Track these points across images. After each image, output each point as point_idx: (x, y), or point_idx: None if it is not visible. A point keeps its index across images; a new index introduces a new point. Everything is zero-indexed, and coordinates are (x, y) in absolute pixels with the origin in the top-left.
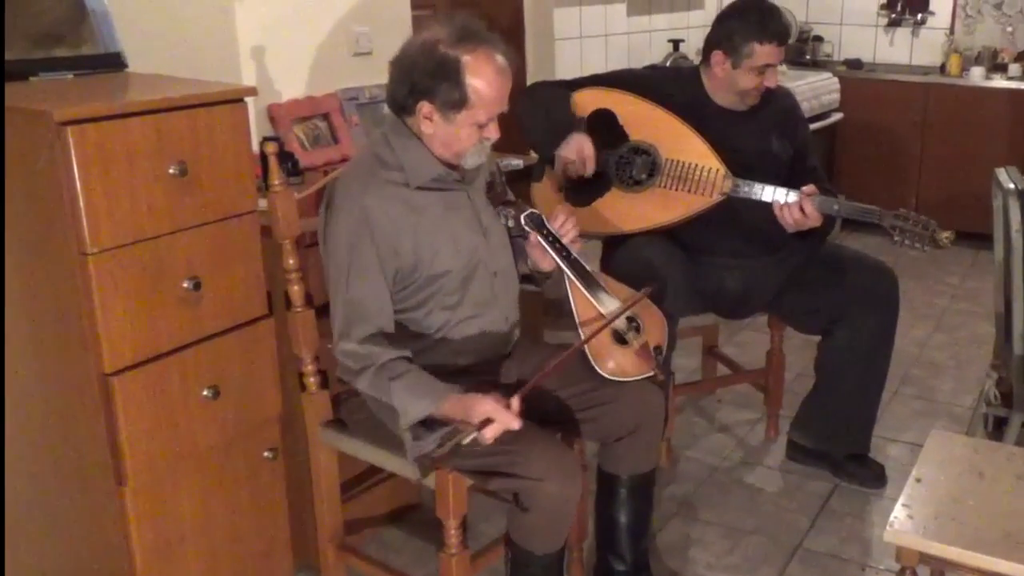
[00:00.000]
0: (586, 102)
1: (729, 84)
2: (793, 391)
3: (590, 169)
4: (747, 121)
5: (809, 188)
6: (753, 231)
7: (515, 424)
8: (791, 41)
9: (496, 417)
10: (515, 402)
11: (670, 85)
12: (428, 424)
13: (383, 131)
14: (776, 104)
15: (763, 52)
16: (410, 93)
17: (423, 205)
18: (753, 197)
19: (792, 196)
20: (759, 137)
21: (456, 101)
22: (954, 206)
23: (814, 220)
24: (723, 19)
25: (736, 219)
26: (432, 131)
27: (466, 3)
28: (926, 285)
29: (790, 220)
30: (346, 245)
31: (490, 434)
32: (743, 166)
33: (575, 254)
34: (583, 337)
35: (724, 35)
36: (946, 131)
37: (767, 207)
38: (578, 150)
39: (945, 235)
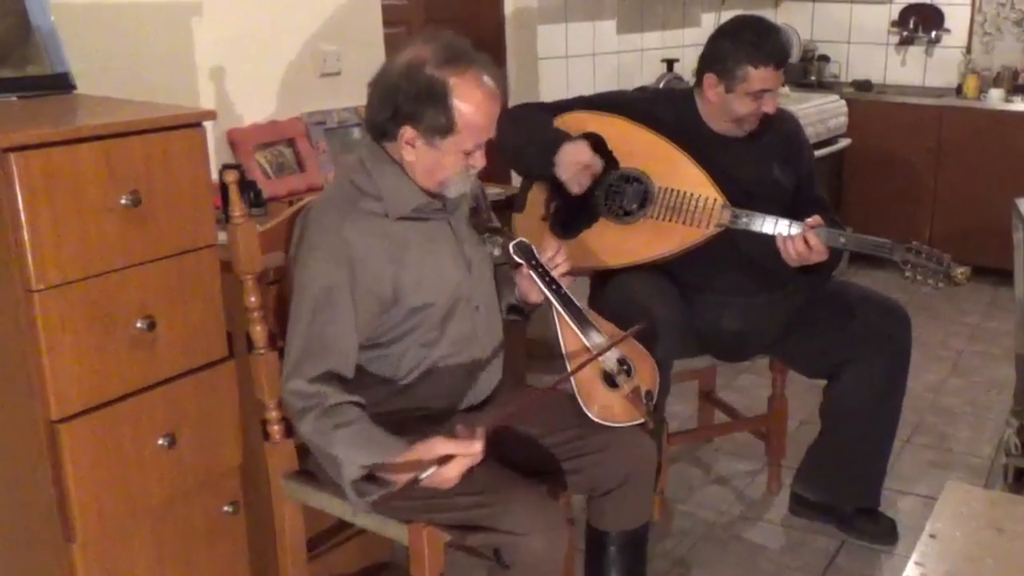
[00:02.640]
0: (572, 126)
1: (723, 109)
2: (797, 440)
3: (597, 167)
4: (746, 148)
5: (814, 219)
6: (753, 266)
7: (476, 449)
8: (793, 60)
9: (456, 451)
10: (479, 431)
11: (662, 108)
12: (375, 480)
13: (359, 156)
14: (777, 129)
15: (758, 76)
16: (392, 117)
17: (404, 238)
18: (753, 229)
19: (795, 228)
20: (759, 165)
21: (442, 126)
22: (971, 240)
23: (819, 254)
24: (716, 39)
25: (734, 253)
26: (414, 158)
27: (442, 19)
28: (941, 325)
29: (794, 253)
30: (322, 283)
31: (454, 471)
32: (742, 196)
33: (565, 288)
34: (571, 376)
35: (717, 57)
36: (962, 158)
37: (768, 240)
38: (576, 158)
39: (961, 271)
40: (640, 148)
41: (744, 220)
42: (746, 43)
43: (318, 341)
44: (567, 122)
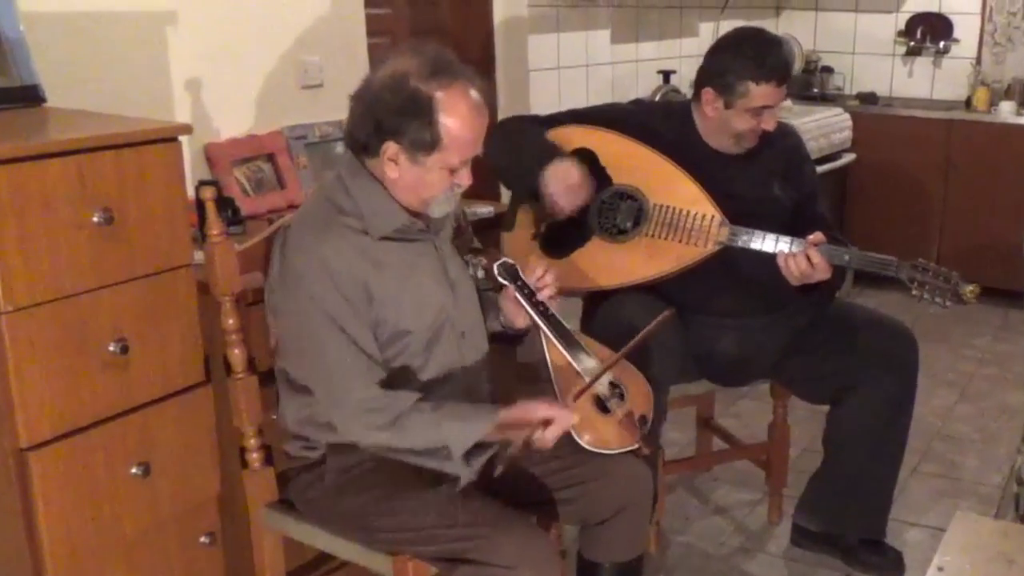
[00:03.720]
0: (563, 141)
1: (721, 125)
2: (798, 468)
3: (581, 199)
4: (745, 164)
5: (816, 236)
6: (752, 286)
7: (574, 418)
8: (796, 72)
9: (555, 417)
10: (571, 401)
11: (658, 122)
12: (475, 450)
13: (338, 174)
14: (778, 144)
15: (759, 93)
16: (374, 132)
17: (385, 258)
18: (752, 247)
19: (797, 245)
20: (759, 182)
21: (427, 142)
22: (981, 259)
23: (822, 272)
24: (715, 52)
25: (733, 272)
26: (397, 175)
27: (429, 29)
28: (949, 348)
29: (796, 272)
30: (322, 306)
31: (551, 435)
32: (741, 213)
33: (553, 310)
34: (559, 397)
35: (716, 71)
36: (972, 174)
37: (768, 259)
38: (566, 176)
39: (969, 289)
40: (634, 164)
41: (743, 238)
42: (747, 58)
43: (359, 352)
44: (558, 137)
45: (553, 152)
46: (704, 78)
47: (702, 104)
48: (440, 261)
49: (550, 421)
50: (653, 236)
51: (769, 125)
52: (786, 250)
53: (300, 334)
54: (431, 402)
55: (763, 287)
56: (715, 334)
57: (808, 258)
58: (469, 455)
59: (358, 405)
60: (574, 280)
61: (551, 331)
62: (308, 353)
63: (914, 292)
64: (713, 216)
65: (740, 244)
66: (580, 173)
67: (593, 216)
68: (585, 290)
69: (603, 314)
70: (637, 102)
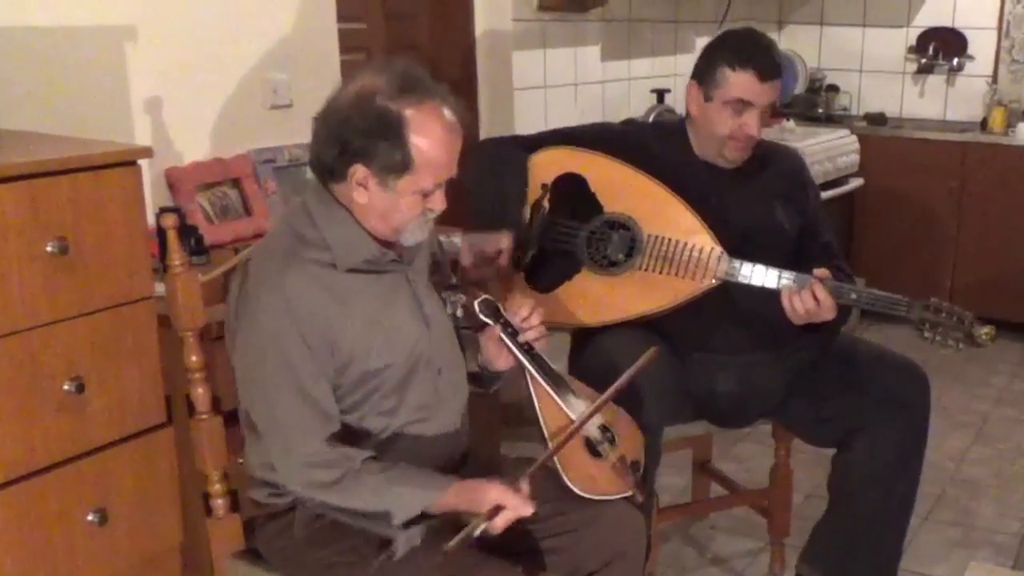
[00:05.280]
0: (549, 165)
1: (705, 125)
2: (802, 515)
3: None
4: (744, 184)
5: (821, 271)
6: (753, 321)
7: (528, 510)
8: (799, 91)
9: (507, 503)
10: (524, 485)
11: (651, 141)
12: (420, 518)
13: (303, 201)
14: (778, 166)
15: (736, 81)
16: (340, 155)
17: (354, 291)
18: (753, 284)
19: (800, 282)
20: (759, 205)
21: (397, 164)
22: (998, 292)
23: (828, 310)
24: (705, 48)
25: (732, 307)
26: (366, 200)
27: (407, 45)
28: (963, 387)
29: (801, 311)
30: (280, 345)
31: (501, 523)
32: (741, 241)
33: (539, 350)
34: (548, 442)
35: (700, 64)
36: (988, 201)
37: (770, 293)
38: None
39: (985, 332)
40: (627, 190)
41: (744, 273)
42: (727, 47)
43: (311, 403)
44: (543, 161)
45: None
46: (692, 74)
47: (688, 103)
48: (414, 294)
49: (501, 507)
50: (647, 269)
51: (752, 129)
52: (790, 287)
53: (254, 376)
54: (381, 463)
55: (764, 322)
56: (714, 372)
57: (814, 295)
58: (411, 522)
59: (303, 459)
60: (562, 316)
61: (538, 372)
62: (259, 398)
63: (926, 335)
64: (712, 249)
65: (740, 280)
66: (503, 240)
67: (582, 246)
68: (573, 326)
69: (589, 354)
70: (629, 122)
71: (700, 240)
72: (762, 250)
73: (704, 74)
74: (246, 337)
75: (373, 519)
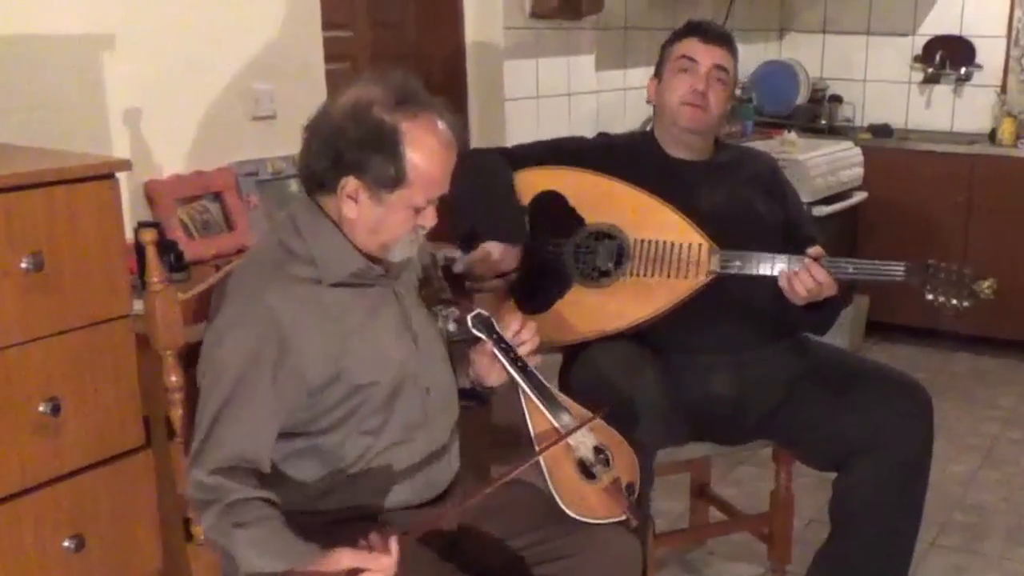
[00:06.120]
0: (524, 187)
1: (661, 107)
2: (804, 541)
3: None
4: (720, 178)
5: (815, 250)
6: (747, 315)
7: (384, 563)
8: (800, 101)
9: (363, 564)
10: (392, 543)
11: (623, 149)
12: None
13: (290, 213)
14: (752, 163)
15: (680, 45)
16: (332, 166)
17: (339, 307)
18: (748, 272)
19: (796, 263)
20: (739, 197)
21: (390, 178)
22: (1007, 311)
23: (828, 287)
24: None
25: (725, 303)
26: (356, 214)
27: (394, 55)
28: (970, 408)
29: (802, 291)
30: (239, 364)
31: None
32: (727, 234)
33: (532, 367)
34: (542, 463)
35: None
36: (997, 215)
37: (764, 283)
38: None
39: (986, 284)
40: (606, 199)
41: (737, 264)
42: (674, 32)
43: (227, 428)
44: (518, 184)
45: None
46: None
47: (649, 99)
48: (401, 309)
49: (358, 572)
50: (639, 275)
51: (700, 83)
52: (787, 269)
53: (207, 378)
54: (250, 514)
55: (759, 314)
56: (707, 376)
57: (811, 274)
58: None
59: (191, 479)
60: (560, 333)
61: (531, 390)
62: (202, 398)
63: (928, 296)
64: (701, 244)
65: (734, 271)
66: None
67: (570, 262)
68: (573, 342)
69: (576, 370)
70: (601, 135)
71: (688, 237)
72: (748, 240)
73: (659, 61)
74: (211, 345)
75: (230, 559)
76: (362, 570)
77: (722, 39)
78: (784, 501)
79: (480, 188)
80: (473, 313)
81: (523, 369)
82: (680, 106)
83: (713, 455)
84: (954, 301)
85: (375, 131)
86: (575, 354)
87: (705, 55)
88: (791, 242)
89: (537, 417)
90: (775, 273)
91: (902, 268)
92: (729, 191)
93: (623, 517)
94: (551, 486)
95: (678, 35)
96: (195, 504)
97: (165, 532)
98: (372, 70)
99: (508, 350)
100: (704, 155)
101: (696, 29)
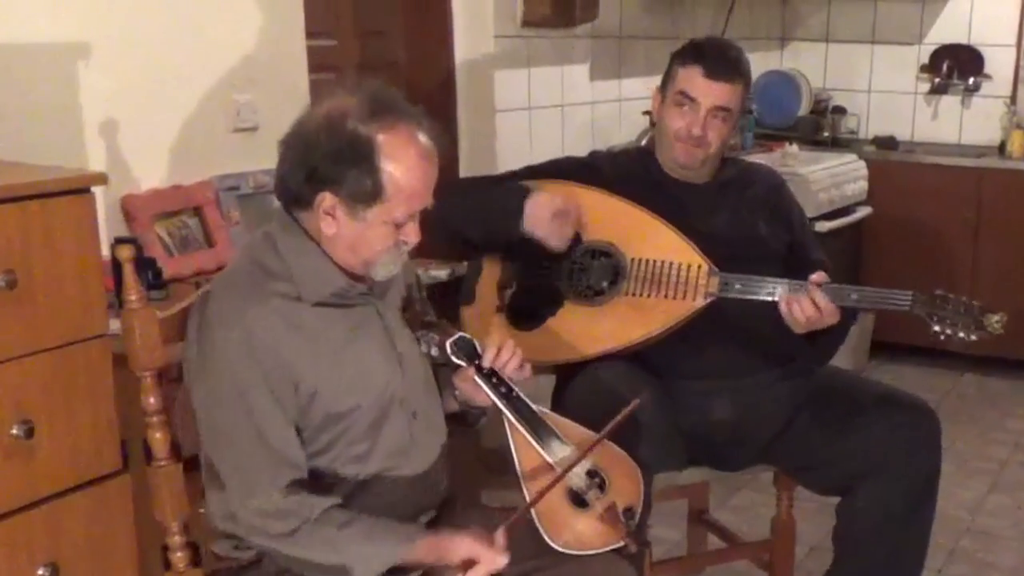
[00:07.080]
0: None
1: (660, 129)
2: (806, 569)
3: (575, 213)
4: (722, 200)
5: (818, 275)
6: (746, 340)
7: (501, 561)
8: (802, 113)
9: (480, 556)
10: (499, 536)
11: (619, 167)
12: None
13: (267, 231)
14: (758, 183)
15: (682, 75)
16: (307, 181)
17: (320, 327)
18: (748, 296)
19: (797, 289)
20: (742, 221)
21: (367, 192)
22: (1019, 328)
23: (830, 315)
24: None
25: (724, 327)
26: (334, 231)
27: (381, 65)
28: (978, 431)
29: (802, 318)
30: (239, 386)
31: None
32: (727, 258)
33: (518, 390)
34: (527, 497)
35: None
36: (1006, 231)
37: (765, 307)
38: (550, 203)
39: (995, 319)
40: (603, 216)
41: (737, 287)
42: (685, 47)
43: (268, 449)
44: None
45: (526, 187)
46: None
47: (652, 111)
48: (385, 329)
49: (473, 562)
50: (634, 294)
51: (695, 127)
52: (787, 295)
53: (213, 419)
54: (344, 515)
55: (759, 340)
56: (706, 401)
57: (813, 301)
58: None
59: (257, 508)
60: (551, 352)
61: (516, 417)
62: (219, 441)
63: (935, 328)
64: (700, 265)
65: (734, 294)
66: (562, 196)
67: (564, 279)
68: (563, 362)
69: (573, 391)
70: (593, 154)
71: (686, 258)
72: (749, 264)
73: (664, 77)
74: (205, 378)
75: (332, 573)
76: (475, 562)
77: (728, 74)
78: (785, 527)
79: (470, 194)
80: (453, 338)
81: (507, 395)
82: (675, 141)
83: (712, 480)
84: (961, 334)
85: (349, 144)
86: (570, 375)
87: (706, 94)
88: (798, 266)
89: (523, 448)
90: (776, 298)
91: (908, 298)
92: (731, 213)
93: (619, 544)
94: (536, 521)
95: (683, 58)
96: (274, 535)
97: (143, 560)
98: (347, 80)
99: (491, 374)
100: (706, 177)
101: (701, 57)
